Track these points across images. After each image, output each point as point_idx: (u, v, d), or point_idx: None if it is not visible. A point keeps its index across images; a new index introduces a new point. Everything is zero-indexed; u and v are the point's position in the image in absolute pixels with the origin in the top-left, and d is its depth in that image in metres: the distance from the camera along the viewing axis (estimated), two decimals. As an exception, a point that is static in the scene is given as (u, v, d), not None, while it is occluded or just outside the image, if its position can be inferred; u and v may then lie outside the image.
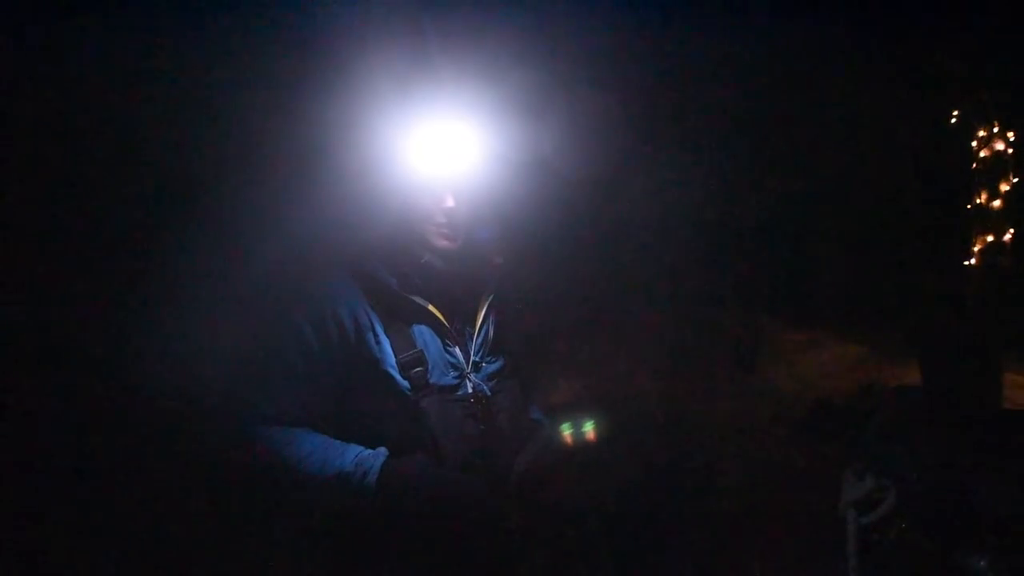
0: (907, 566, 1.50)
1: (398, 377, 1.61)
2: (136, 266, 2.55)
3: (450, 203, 1.64)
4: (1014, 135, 3.94)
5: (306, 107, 2.40)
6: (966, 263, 3.86)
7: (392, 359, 1.61)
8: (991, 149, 3.95)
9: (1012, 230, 3.86)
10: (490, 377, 1.71)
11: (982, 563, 1.41)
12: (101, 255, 2.53)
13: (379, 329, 1.62)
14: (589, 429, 1.61)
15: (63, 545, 2.26)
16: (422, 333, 1.66)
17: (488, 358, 1.73)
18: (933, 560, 1.46)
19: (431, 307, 1.66)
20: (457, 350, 1.69)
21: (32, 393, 2.37)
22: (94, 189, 2.51)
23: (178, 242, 2.51)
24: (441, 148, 1.63)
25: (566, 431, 1.61)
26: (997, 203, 3.92)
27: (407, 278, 1.65)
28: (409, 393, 1.61)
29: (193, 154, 2.60)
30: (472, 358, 1.70)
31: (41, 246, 2.47)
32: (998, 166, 3.95)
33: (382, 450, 1.59)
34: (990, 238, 3.87)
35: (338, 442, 1.60)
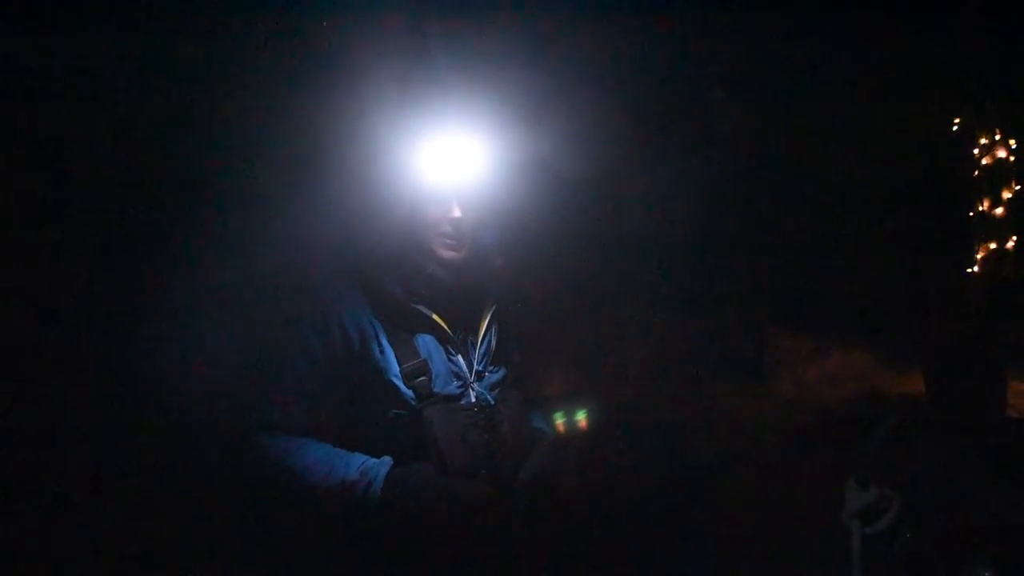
0: (913, 577, 1.49)
1: (402, 386, 1.61)
2: (142, 273, 2.55)
3: (456, 213, 1.64)
4: (1016, 142, 3.93)
5: (313, 116, 2.41)
6: (969, 271, 3.85)
7: (396, 368, 1.62)
8: (993, 156, 3.95)
9: (1015, 237, 3.85)
10: (493, 387, 1.72)
11: (987, 574, 1.40)
12: (107, 262, 2.54)
13: (383, 338, 1.63)
14: (581, 418, 1.61)
15: (67, 548, 2.26)
16: (426, 343, 1.66)
17: (491, 368, 1.73)
18: (939, 571, 1.46)
19: (435, 316, 1.67)
20: (460, 359, 1.69)
21: (37, 398, 2.37)
22: (100, 197, 2.52)
23: (184, 249, 2.52)
24: (449, 158, 1.64)
25: (559, 419, 1.62)
26: (1000, 211, 3.91)
27: (412, 288, 1.65)
28: (413, 402, 1.61)
29: (199, 161, 2.60)
30: (475, 367, 1.70)
31: (44, 251, 2.47)
32: (1001, 173, 3.94)
33: (387, 459, 1.59)
34: (993, 246, 3.86)
35: (343, 451, 1.60)
